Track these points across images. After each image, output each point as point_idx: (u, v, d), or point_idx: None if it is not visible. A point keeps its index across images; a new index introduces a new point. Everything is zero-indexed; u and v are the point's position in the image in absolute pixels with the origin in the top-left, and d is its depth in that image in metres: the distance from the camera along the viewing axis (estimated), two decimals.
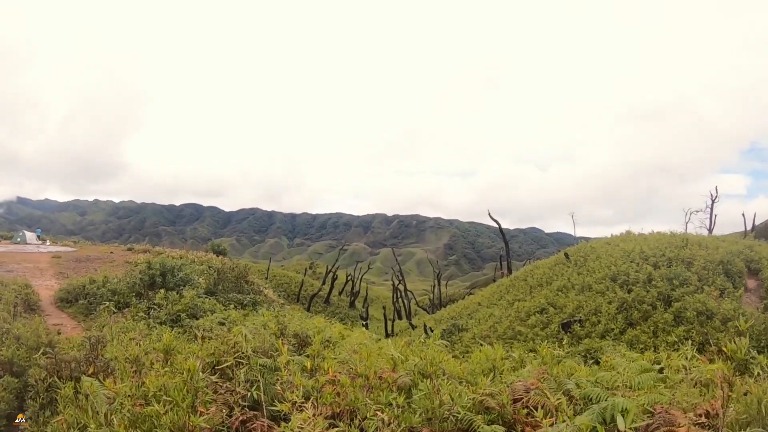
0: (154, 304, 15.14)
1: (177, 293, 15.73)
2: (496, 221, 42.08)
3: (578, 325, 18.98)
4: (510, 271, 38.82)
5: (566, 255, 27.69)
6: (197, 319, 13.42)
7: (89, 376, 5.72)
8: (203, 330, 9.36)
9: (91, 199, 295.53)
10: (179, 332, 11.26)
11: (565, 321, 19.62)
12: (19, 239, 42.44)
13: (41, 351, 7.68)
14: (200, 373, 4.56)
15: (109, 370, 6.34)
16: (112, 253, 35.46)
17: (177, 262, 18.69)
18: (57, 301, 17.59)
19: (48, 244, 42.09)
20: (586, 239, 35.39)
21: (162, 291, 15.29)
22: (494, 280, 45.12)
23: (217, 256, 33.34)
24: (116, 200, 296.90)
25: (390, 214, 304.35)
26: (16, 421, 5.86)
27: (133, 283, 17.13)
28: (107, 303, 15.85)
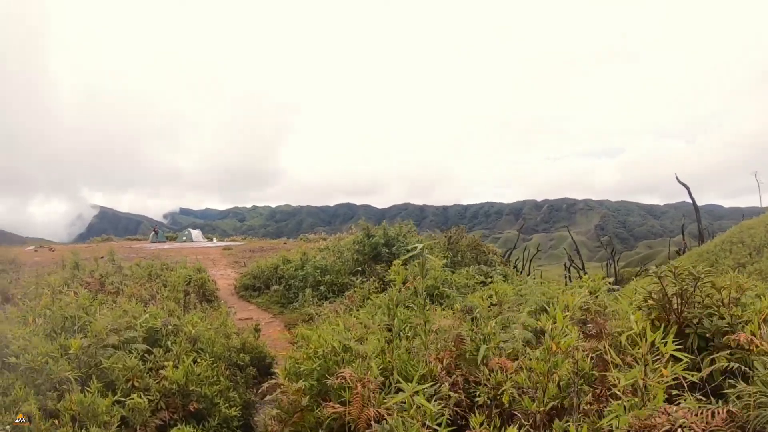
0: (385, 280, 11.35)
1: (416, 265, 11.59)
2: (684, 185, 40.44)
3: None
4: (702, 240, 36.12)
5: None
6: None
7: None
8: None
9: (249, 205, 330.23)
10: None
11: None
12: (185, 237, 43.55)
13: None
14: None
15: None
16: (285, 243, 33.60)
17: (397, 230, 14.44)
18: (239, 290, 14.81)
19: (215, 241, 42.11)
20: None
21: (398, 262, 11.11)
22: (679, 253, 41.07)
23: None
24: (273, 205, 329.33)
25: (539, 199, 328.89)
26: (16, 421, 4.67)
27: (347, 258, 13.19)
28: (308, 288, 12.31)
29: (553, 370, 4.17)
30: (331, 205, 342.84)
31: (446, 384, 4.81)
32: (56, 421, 4.78)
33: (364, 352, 4.86)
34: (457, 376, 5.12)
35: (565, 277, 52.08)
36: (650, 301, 5.07)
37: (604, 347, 4.64)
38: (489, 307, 7.84)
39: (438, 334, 5.97)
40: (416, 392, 3.71)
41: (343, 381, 4.35)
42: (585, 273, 51.68)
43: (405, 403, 3.80)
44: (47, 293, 7.35)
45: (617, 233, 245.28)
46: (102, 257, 15.15)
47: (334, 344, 5.14)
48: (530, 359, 4.85)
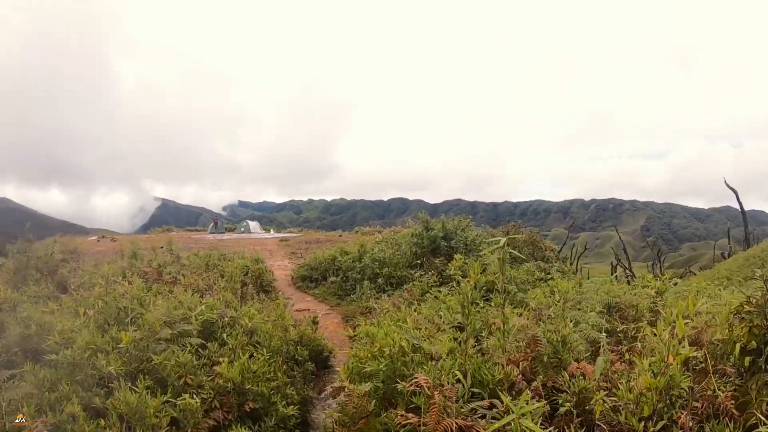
0: (444, 275, 10.77)
1: (474, 259, 11.27)
2: (732, 189, 39.25)
3: None
4: (749, 245, 35.37)
5: None
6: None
7: None
8: None
9: (305, 198, 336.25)
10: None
11: None
12: (243, 229, 44.01)
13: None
14: None
15: None
16: (341, 236, 33.53)
17: (455, 224, 13.93)
18: (296, 281, 14.58)
19: (272, 232, 42.43)
20: None
21: (459, 256, 10.68)
22: (724, 256, 39.44)
23: None
24: (328, 198, 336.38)
25: (587, 198, 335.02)
26: (16, 420, 4.42)
27: (405, 251, 12.80)
28: (366, 281, 11.96)
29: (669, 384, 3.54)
30: (385, 199, 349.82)
31: (528, 392, 4.24)
32: (102, 421, 4.45)
33: (437, 354, 4.30)
34: (537, 382, 4.54)
35: (613, 276, 50.93)
36: (749, 307, 4.41)
37: (705, 356, 4.26)
38: (553, 305, 7.20)
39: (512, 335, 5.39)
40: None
41: (417, 387, 3.80)
42: (631, 273, 51.00)
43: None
44: (101, 283, 7.11)
45: (662, 234, 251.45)
46: (161, 247, 15.19)
47: (402, 343, 4.60)
48: (615, 367, 4.39)
